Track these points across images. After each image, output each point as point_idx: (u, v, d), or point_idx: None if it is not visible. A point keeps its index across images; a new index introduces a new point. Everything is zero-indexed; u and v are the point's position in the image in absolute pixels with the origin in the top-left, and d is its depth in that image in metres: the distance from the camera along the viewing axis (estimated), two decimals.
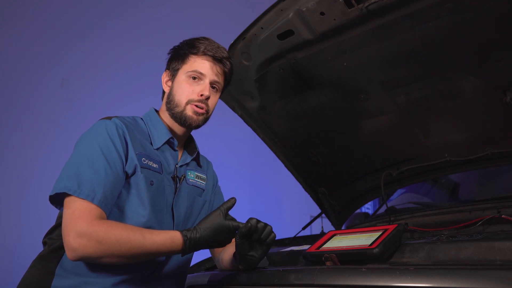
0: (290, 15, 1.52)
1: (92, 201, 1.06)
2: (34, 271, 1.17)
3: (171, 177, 1.30)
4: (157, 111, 1.39)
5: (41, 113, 3.57)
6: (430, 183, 2.32)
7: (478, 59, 1.54)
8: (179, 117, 1.32)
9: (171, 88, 1.34)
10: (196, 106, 1.30)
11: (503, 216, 1.43)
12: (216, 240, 1.14)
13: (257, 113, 1.93)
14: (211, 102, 1.34)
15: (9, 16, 3.55)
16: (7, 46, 3.50)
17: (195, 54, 1.32)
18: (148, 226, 1.19)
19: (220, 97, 1.84)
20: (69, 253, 1.03)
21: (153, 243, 1.07)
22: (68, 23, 3.84)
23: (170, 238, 1.10)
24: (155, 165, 1.25)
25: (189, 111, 1.30)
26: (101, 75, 3.89)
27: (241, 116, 1.93)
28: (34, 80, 3.60)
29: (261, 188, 4.88)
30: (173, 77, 1.35)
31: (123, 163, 1.16)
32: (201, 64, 1.32)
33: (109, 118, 1.24)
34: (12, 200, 3.19)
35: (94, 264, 1.14)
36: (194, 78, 1.31)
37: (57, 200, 1.12)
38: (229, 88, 1.82)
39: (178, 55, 1.35)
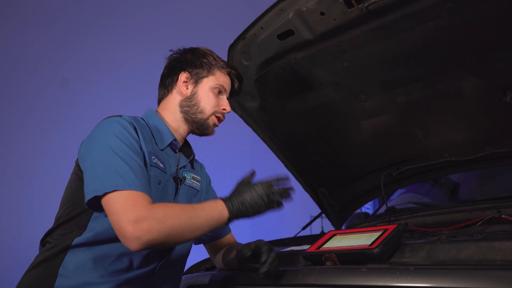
0: (290, 15, 1.52)
1: (137, 189, 1.05)
2: (36, 272, 1.16)
3: (173, 178, 1.31)
4: (157, 112, 1.40)
5: (41, 113, 3.57)
6: (430, 183, 2.32)
7: (478, 59, 1.54)
8: (200, 123, 1.38)
9: (195, 92, 1.38)
10: (218, 119, 1.41)
11: (503, 216, 1.43)
12: (250, 198, 1.15)
13: (257, 113, 1.93)
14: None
15: (9, 16, 3.55)
16: (7, 46, 3.50)
17: (222, 68, 1.42)
18: None
19: None
20: (132, 244, 1.00)
21: (202, 209, 1.10)
22: (68, 23, 3.84)
23: (214, 203, 1.14)
24: (161, 165, 1.26)
25: (211, 121, 1.40)
26: (101, 75, 3.88)
27: (241, 116, 1.93)
28: (34, 80, 3.60)
29: None
30: (196, 82, 1.39)
31: (143, 157, 1.18)
32: (227, 81, 1.43)
33: (119, 116, 1.23)
34: (12, 200, 3.19)
35: (97, 263, 1.14)
36: (219, 91, 1.41)
37: (92, 204, 1.09)
38: None
39: (203, 64, 1.40)
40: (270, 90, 1.85)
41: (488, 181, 2.08)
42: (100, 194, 1.04)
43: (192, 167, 1.46)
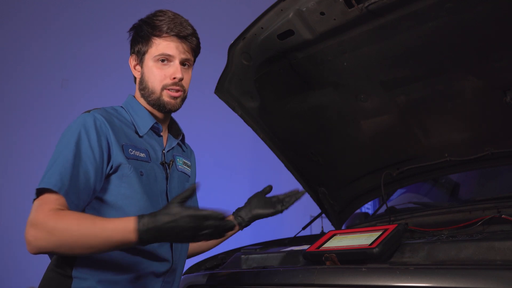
0: (290, 15, 1.52)
1: (58, 190, 1.05)
2: (52, 274, 1.16)
3: (160, 164, 1.28)
4: (134, 97, 1.35)
5: (41, 113, 3.58)
6: (430, 183, 2.32)
7: (478, 59, 1.54)
8: (157, 104, 1.28)
9: (142, 73, 1.30)
10: (171, 90, 1.27)
11: (503, 216, 1.43)
12: (175, 227, 0.99)
13: (257, 113, 1.93)
14: (185, 82, 1.30)
15: (9, 16, 3.55)
16: (7, 46, 3.50)
17: (158, 36, 1.26)
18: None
19: (220, 97, 1.86)
20: (26, 246, 1.02)
21: (103, 229, 1.01)
22: (68, 23, 3.85)
23: (124, 221, 1.02)
24: (142, 155, 1.23)
25: (166, 96, 1.27)
26: (101, 75, 3.89)
27: (241, 116, 1.93)
28: (34, 80, 3.61)
29: (261, 188, 4.85)
30: (141, 61, 1.29)
31: (96, 159, 1.13)
32: (167, 46, 1.26)
33: (90, 111, 1.21)
34: (12, 200, 3.19)
35: (109, 261, 1.13)
36: (162, 60, 1.27)
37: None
38: (229, 88, 1.82)
39: (141, 37, 1.28)
40: (270, 90, 1.85)
41: (488, 181, 2.08)
42: (38, 186, 1.07)
43: (183, 150, 1.42)
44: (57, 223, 1.01)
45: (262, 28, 1.60)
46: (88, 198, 1.13)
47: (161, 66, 1.27)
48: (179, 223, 0.99)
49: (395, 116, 1.83)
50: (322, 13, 1.49)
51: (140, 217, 1.02)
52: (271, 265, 1.44)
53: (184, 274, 1.65)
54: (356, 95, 1.80)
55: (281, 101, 1.90)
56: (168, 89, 1.27)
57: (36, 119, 3.55)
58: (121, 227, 1.01)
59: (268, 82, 1.81)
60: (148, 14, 1.31)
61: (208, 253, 1.65)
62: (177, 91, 1.28)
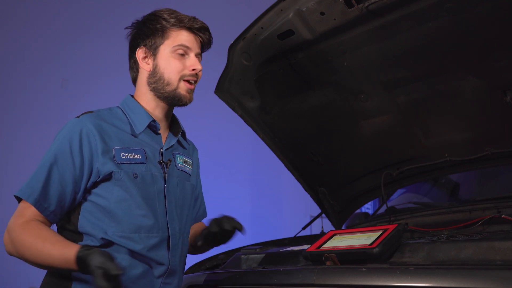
0: (290, 15, 1.52)
1: (33, 202, 1.11)
2: (53, 275, 1.17)
3: (158, 163, 1.26)
4: (132, 97, 1.33)
5: (41, 113, 3.58)
6: (430, 183, 2.32)
7: (478, 59, 1.54)
8: (171, 96, 1.28)
9: (155, 65, 1.28)
10: (189, 82, 1.28)
11: (503, 216, 1.43)
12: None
13: (257, 113, 1.93)
14: (200, 73, 1.32)
15: (9, 16, 3.55)
16: (7, 46, 3.51)
17: (178, 27, 1.27)
18: (142, 218, 1.18)
19: (220, 97, 1.86)
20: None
21: (50, 255, 1.06)
22: (68, 23, 3.85)
23: (67, 250, 1.05)
24: (137, 156, 1.22)
25: (183, 89, 1.28)
26: (101, 75, 3.89)
27: (241, 116, 1.93)
28: (34, 80, 3.61)
29: (261, 188, 4.88)
30: (153, 54, 1.28)
31: (76, 168, 1.15)
32: (187, 38, 1.28)
33: (79, 116, 1.22)
34: (12, 200, 3.19)
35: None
36: (181, 53, 1.27)
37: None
38: (229, 88, 1.82)
39: (155, 29, 1.28)
40: (270, 90, 1.85)
41: (488, 181, 2.08)
42: (15, 193, 1.17)
43: (184, 148, 1.41)
44: (18, 236, 1.09)
45: (262, 28, 1.60)
46: (67, 204, 1.15)
47: (180, 57, 1.27)
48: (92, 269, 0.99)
49: (395, 116, 1.83)
50: (322, 13, 1.49)
51: (80, 248, 1.04)
52: (271, 265, 1.44)
53: (184, 274, 1.65)
54: (356, 95, 1.80)
55: (281, 101, 1.90)
56: (186, 80, 1.28)
57: (36, 119, 3.55)
58: (63, 258, 1.05)
59: (268, 82, 1.81)
60: (152, 12, 1.32)
61: (208, 253, 1.65)
62: (193, 82, 1.30)
